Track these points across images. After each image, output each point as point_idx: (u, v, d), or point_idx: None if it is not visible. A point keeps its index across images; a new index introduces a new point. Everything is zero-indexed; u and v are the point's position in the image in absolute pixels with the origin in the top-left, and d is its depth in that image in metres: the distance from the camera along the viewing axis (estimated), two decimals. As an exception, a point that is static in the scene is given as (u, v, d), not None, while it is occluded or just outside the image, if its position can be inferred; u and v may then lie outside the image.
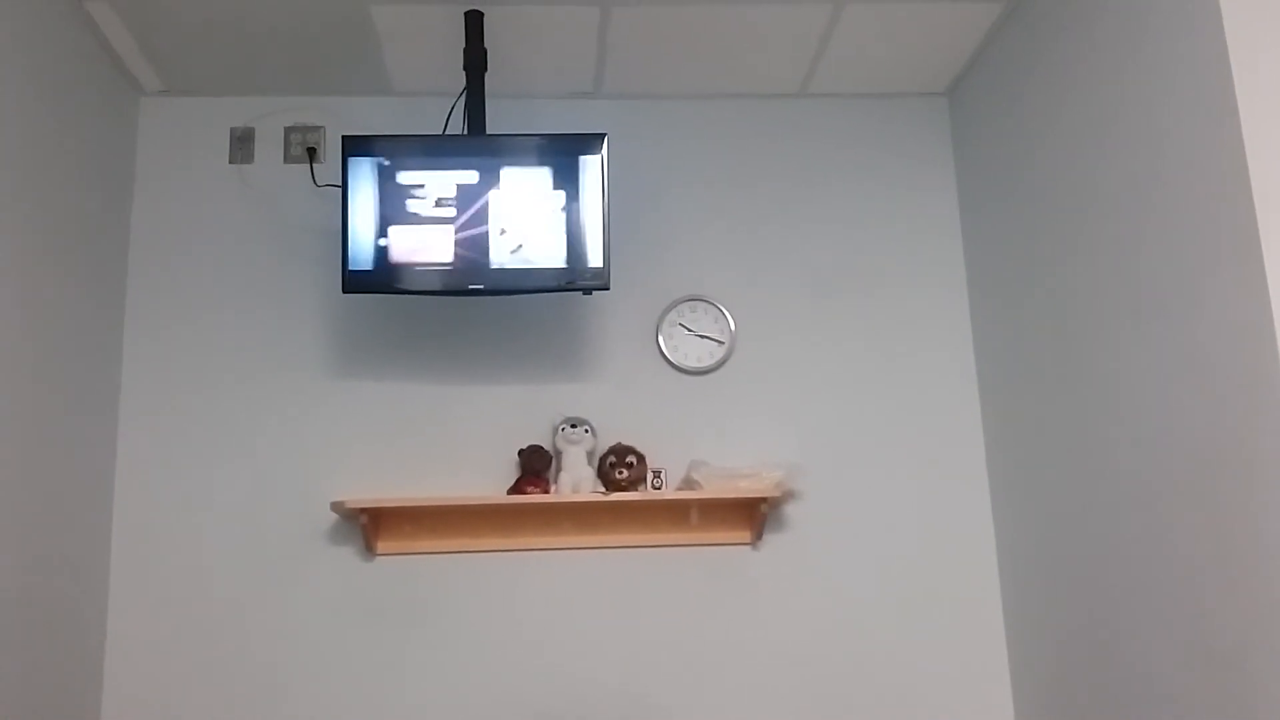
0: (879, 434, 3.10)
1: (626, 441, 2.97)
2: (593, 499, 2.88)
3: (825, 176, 3.24)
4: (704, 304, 3.13)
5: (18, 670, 2.43)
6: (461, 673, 2.90)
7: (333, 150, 3.06)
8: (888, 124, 3.28)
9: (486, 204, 2.73)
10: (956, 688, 2.96)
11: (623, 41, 2.94)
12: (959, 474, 3.09)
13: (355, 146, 2.75)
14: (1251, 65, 1.95)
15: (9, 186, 2.42)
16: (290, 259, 3.09)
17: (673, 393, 3.09)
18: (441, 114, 2.95)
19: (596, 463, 2.94)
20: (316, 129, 3.15)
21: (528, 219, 2.73)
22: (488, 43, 2.86)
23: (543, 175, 2.75)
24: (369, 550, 2.93)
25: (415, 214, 2.72)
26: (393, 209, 2.72)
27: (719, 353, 3.11)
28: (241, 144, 3.15)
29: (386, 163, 2.73)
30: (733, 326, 3.12)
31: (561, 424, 2.97)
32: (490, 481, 2.98)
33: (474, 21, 2.81)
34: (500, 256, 2.72)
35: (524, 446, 2.95)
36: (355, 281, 2.72)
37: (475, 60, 2.84)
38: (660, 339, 3.11)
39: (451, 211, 2.72)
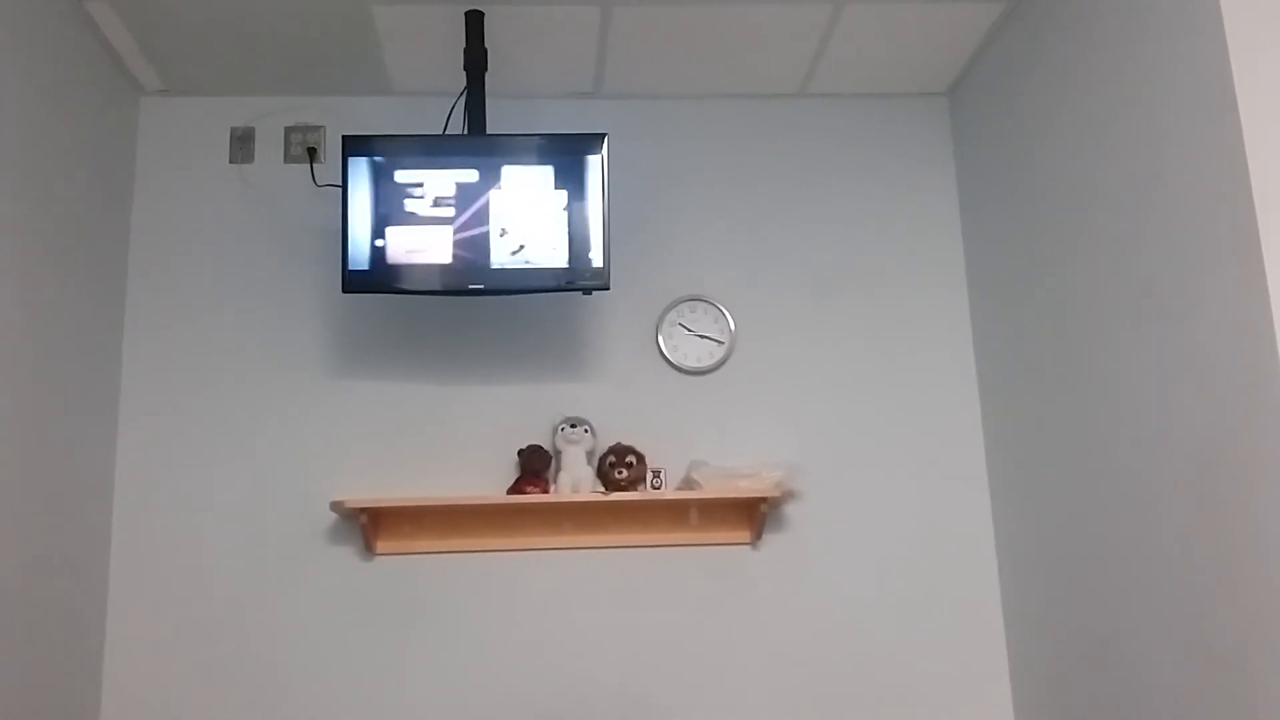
0: (878, 434, 3.10)
1: (626, 441, 2.97)
2: (592, 499, 2.88)
3: (825, 176, 3.24)
4: (704, 304, 3.13)
5: (17, 670, 2.43)
6: (461, 672, 2.90)
7: (333, 150, 3.06)
8: (888, 124, 3.28)
9: (486, 204, 2.73)
10: (956, 687, 2.96)
11: (623, 41, 2.94)
12: (959, 474, 3.08)
13: (355, 146, 2.75)
14: (1251, 65, 1.95)
15: (8, 186, 2.42)
16: (290, 259, 3.09)
17: (672, 393, 3.09)
18: (442, 114, 2.95)
19: (596, 463, 2.94)
20: (317, 129, 3.15)
21: (528, 219, 2.73)
22: (488, 42, 2.86)
23: (543, 175, 2.75)
24: (368, 550, 2.93)
25: (414, 214, 2.72)
26: (392, 208, 2.72)
27: (719, 353, 3.11)
28: (242, 144, 3.15)
29: (386, 162, 2.73)
30: (732, 326, 3.12)
31: (561, 424, 2.97)
32: (490, 481, 2.98)
33: (474, 21, 2.82)
34: (500, 256, 2.72)
35: (523, 446, 2.95)
36: (355, 281, 2.72)
37: (475, 60, 2.84)
38: (660, 339, 3.11)
39: (451, 211, 2.72)
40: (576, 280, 2.74)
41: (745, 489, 2.87)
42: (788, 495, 2.97)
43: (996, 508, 3.04)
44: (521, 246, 2.72)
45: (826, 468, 3.06)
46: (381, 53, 2.97)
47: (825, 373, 3.12)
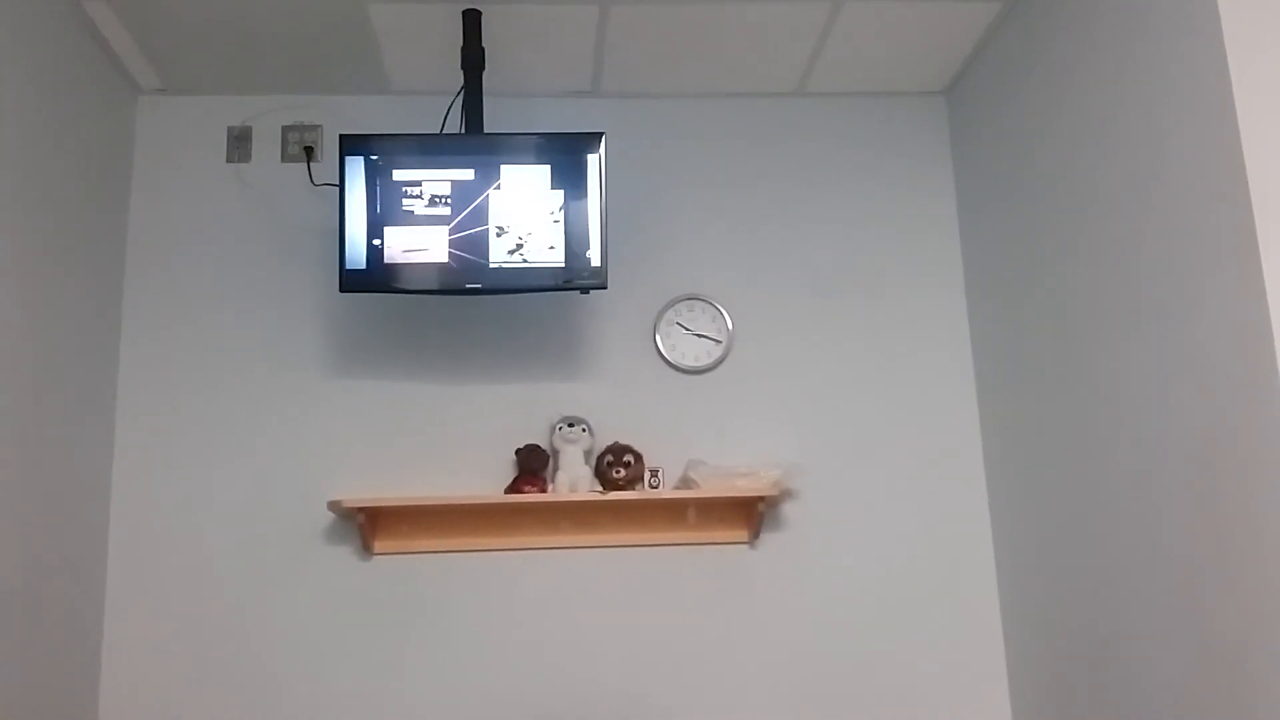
0: (876, 433, 3.10)
1: (624, 440, 2.97)
2: (590, 498, 2.88)
3: (823, 175, 3.23)
4: (701, 303, 3.13)
5: (15, 670, 2.43)
6: (459, 672, 2.90)
7: (330, 149, 3.06)
8: (886, 123, 3.27)
9: (484, 203, 2.72)
10: (954, 687, 2.96)
11: (621, 40, 2.94)
12: (957, 473, 3.08)
13: (352, 145, 2.75)
14: (1250, 64, 1.95)
15: (6, 186, 2.42)
16: (288, 258, 3.09)
17: (670, 392, 3.08)
18: (439, 113, 2.95)
19: (594, 462, 2.94)
20: (314, 128, 3.15)
21: (526, 218, 2.73)
22: (486, 41, 2.86)
23: (541, 174, 2.75)
24: (366, 550, 2.93)
25: (411, 212, 2.71)
26: (390, 208, 2.71)
27: (716, 352, 3.11)
28: (239, 143, 3.14)
29: (384, 162, 2.73)
30: (730, 325, 3.12)
31: (559, 423, 2.97)
32: (487, 481, 2.98)
33: (472, 20, 2.81)
34: (498, 255, 2.71)
35: (521, 446, 2.95)
36: (352, 281, 2.71)
37: (473, 59, 2.83)
38: (658, 338, 3.10)
39: (448, 210, 2.72)
40: (574, 279, 2.74)
41: (743, 488, 2.87)
42: (785, 494, 2.97)
43: (995, 507, 3.04)
44: (519, 245, 2.72)
45: (824, 467, 3.06)
46: (379, 52, 2.96)
47: (823, 371, 3.12)
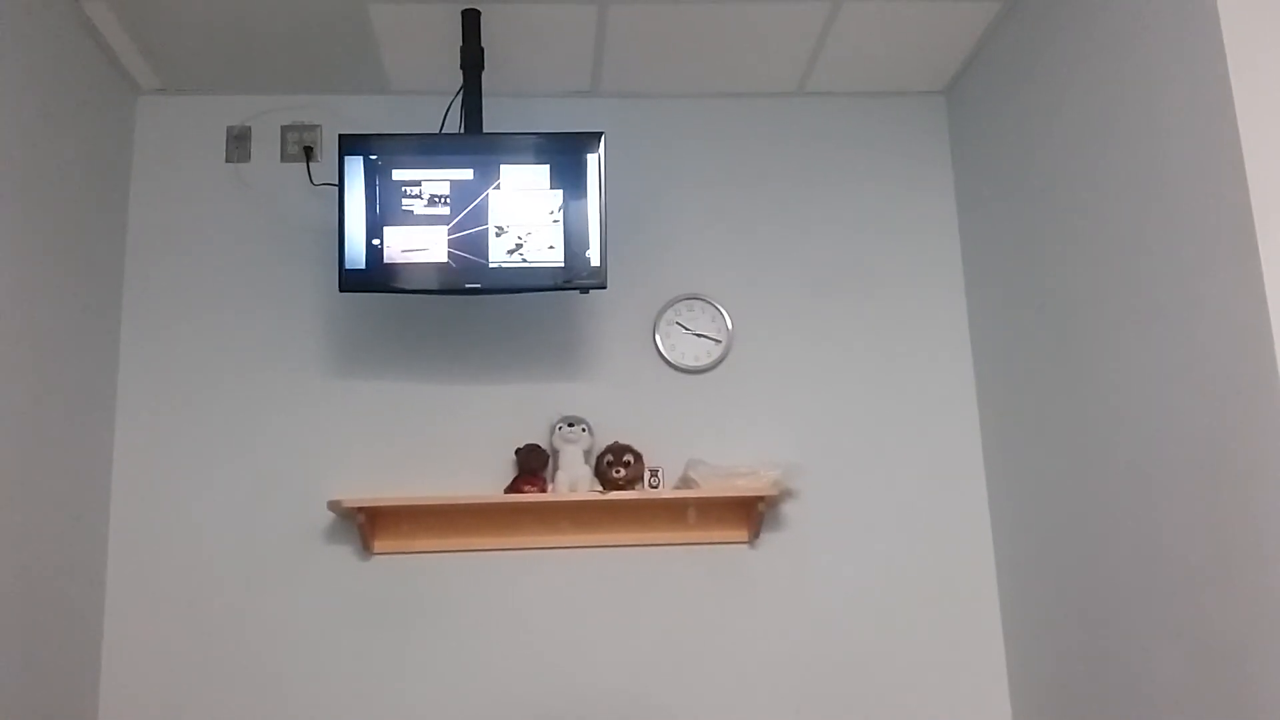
0: (876, 433, 3.09)
1: (623, 440, 2.97)
2: (590, 498, 2.88)
3: (822, 175, 3.23)
4: (701, 302, 3.13)
5: (15, 670, 2.43)
6: (458, 671, 2.90)
7: (329, 149, 3.07)
8: (885, 123, 3.27)
9: (483, 203, 2.72)
10: (954, 687, 2.96)
11: (620, 40, 2.94)
12: (956, 473, 3.08)
13: (351, 145, 2.74)
14: (1249, 64, 1.95)
15: (6, 186, 2.42)
16: (287, 258, 3.09)
17: (670, 391, 3.08)
18: (438, 113, 2.95)
19: (593, 462, 2.94)
20: (313, 128, 3.15)
21: (525, 218, 2.73)
22: (485, 41, 2.86)
23: (540, 174, 2.75)
24: (366, 549, 2.93)
25: (411, 212, 2.71)
26: (389, 207, 2.71)
27: (716, 351, 3.11)
28: (238, 143, 3.14)
29: (383, 161, 2.73)
30: (730, 325, 3.12)
31: (558, 423, 2.97)
32: (487, 480, 2.98)
33: (471, 20, 2.81)
34: (498, 255, 2.71)
35: (521, 445, 2.95)
36: (352, 280, 2.71)
37: (472, 59, 2.83)
38: (657, 338, 3.10)
39: (447, 210, 2.72)
40: (574, 279, 2.74)
41: (743, 488, 2.87)
42: (785, 494, 2.97)
43: (994, 507, 3.04)
44: (519, 245, 2.72)
45: (824, 466, 3.06)
46: (378, 51, 2.96)
47: (822, 371, 3.12)
